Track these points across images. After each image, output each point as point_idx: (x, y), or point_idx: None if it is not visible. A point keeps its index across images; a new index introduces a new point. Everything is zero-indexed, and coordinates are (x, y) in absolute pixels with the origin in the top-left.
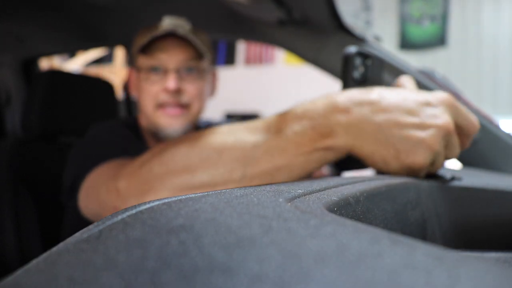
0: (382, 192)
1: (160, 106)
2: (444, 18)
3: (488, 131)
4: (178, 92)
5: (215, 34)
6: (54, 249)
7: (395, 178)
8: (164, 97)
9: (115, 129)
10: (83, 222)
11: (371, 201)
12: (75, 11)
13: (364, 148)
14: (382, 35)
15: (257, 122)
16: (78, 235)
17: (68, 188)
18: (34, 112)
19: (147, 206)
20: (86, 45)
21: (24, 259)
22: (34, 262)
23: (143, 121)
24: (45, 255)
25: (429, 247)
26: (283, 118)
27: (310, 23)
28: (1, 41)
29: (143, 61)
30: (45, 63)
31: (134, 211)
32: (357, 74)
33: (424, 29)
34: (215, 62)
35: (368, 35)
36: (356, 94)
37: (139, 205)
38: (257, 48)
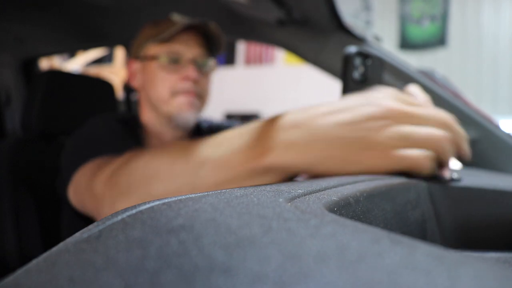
0: (382, 192)
1: (177, 93)
2: (444, 18)
3: (488, 131)
4: (195, 81)
5: None
6: (54, 249)
7: (395, 178)
8: (182, 86)
9: (107, 124)
10: (80, 219)
11: (371, 201)
12: (75, 11)
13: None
14: (382, 35)
15: (216, 136)
16: (78, 235)
17: (61, 182)
18: (34, 112)
19: (147, 206)
20: (86, 45)
21: (24, 259)
22: (34, 262)
23: (145, 118)
24: (45, 255)
25: (429, 247)
26: (233, 134)
27: (310, 23)
28: (1, 41)
29: (161, 50)
30: (45, 63)
31: (134, 211)
32: (357, 74)
33: (424, 29)
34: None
35: (368, 35)
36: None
37: (139, 205)
38: (257, 48)
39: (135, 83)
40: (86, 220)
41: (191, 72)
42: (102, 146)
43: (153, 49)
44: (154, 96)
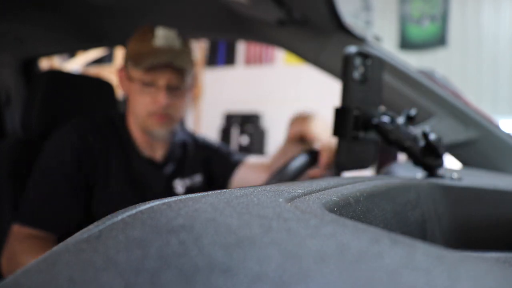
0: (382, 192)
1: (151, 114)
2: (444, 18)
3: (488, 131)
4: (166, 106)
5: (215, 34)
6: (54, 249)
7: (395, 178)
8: (155, 108)
9: (66, 149)
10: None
11: (371, 201)
12: (75, 11)
13: None
14: (382, 35)
15: None
16: (78, 235)
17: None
18: (34, 112)
19: (147, 206)
20: (86, 45)
21: None
22: (34, 262)
23: (130, 121)
24: (45, 255)
25: (429, 247)
26: None
27: (310, 23)
28: (1, 41)
29: (138, 75)
30: (45, 63)
31: (134, 211)
32: (357, 74)
33: (424, 29)
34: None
35: (368, 35)
36: None
37: (139, 205)
38: (257, 48)
39: (123, 88)
40: None
41: (161, 98)
42: (61, 177)
43: (133, 71)
44: (134, 110)
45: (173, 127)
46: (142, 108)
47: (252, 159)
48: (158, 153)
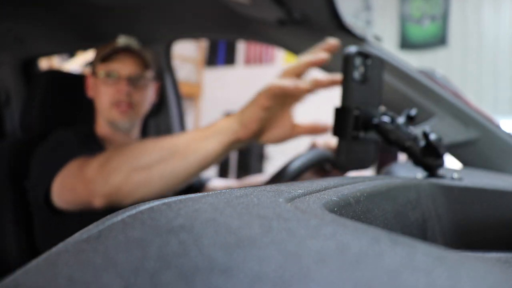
0: (382, 192)
1: (115, 104)
2: (444, 18)
3: (488, 131)
4: (128, 94)
5: (215, 34)
6: (54, 249)
7: (396, 178)
8: (117, 98)
9: (71, 134)
10: (52, 225)
11: (371, 201)
12: (75, 11)
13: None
14: (382, 35)
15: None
16: (78, 235)
17: (37, 187)
18: (34, 112)
19: (147, 206)
20: (86, 45)
21: (24, 259)
22: (34, 262)
23: (99, 124)
24: (45, 255)
25: (429, 247)
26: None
27: (310, 23)
28: (1, 41)
29: (103, 68)
30: (45, 63)
31: (134, 211)
32: (357, 74)
33: (424, 29)
34: (160, 77)
35: (368, 35)
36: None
37: (139, 205)
38: (257, 48)
39: (91, 94)
40: (57, 226)
41: (123, 86)
42: (74, 147)
43: (98, 67)
44: (99, 105)
45: (137, 120)
46: (106, 99)
47: (217, 182)
48: None
